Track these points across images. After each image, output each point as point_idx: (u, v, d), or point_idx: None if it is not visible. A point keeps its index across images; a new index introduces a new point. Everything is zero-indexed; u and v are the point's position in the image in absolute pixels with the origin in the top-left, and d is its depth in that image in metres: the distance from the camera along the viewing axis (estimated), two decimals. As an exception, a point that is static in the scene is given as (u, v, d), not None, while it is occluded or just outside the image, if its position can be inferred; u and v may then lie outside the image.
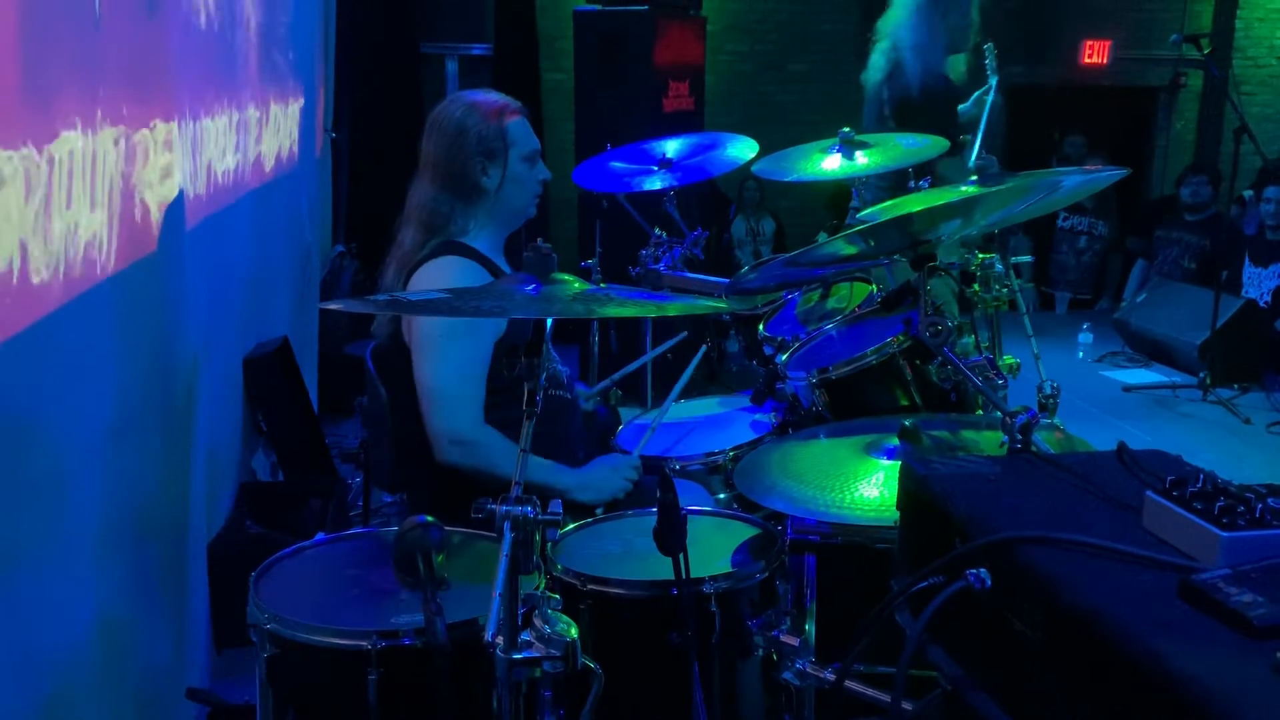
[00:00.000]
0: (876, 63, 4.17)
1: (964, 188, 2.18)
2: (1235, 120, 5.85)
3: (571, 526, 2.03)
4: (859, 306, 2.88)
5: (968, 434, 2.06)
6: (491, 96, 2.40)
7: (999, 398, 1.90)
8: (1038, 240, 7.73)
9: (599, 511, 2.22)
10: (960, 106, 4.25)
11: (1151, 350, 6.47)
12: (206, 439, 2.80)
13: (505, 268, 2.41)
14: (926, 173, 3.53)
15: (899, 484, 1.45)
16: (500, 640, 1.43)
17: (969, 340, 2.64)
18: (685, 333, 3.29)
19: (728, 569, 1.83)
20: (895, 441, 1.98)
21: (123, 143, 2.07)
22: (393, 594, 1.72)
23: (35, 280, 1.66)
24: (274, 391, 3.63)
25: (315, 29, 5.17)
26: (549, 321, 1.59)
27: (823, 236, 3.85)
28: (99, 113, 1.93)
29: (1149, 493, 1.18)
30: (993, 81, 4.15)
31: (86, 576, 1.91)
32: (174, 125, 2.44)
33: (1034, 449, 1.64)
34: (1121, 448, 1.37)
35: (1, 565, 1.60)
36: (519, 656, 1.43)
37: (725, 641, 1.77)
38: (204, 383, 2.72)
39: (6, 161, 1.54)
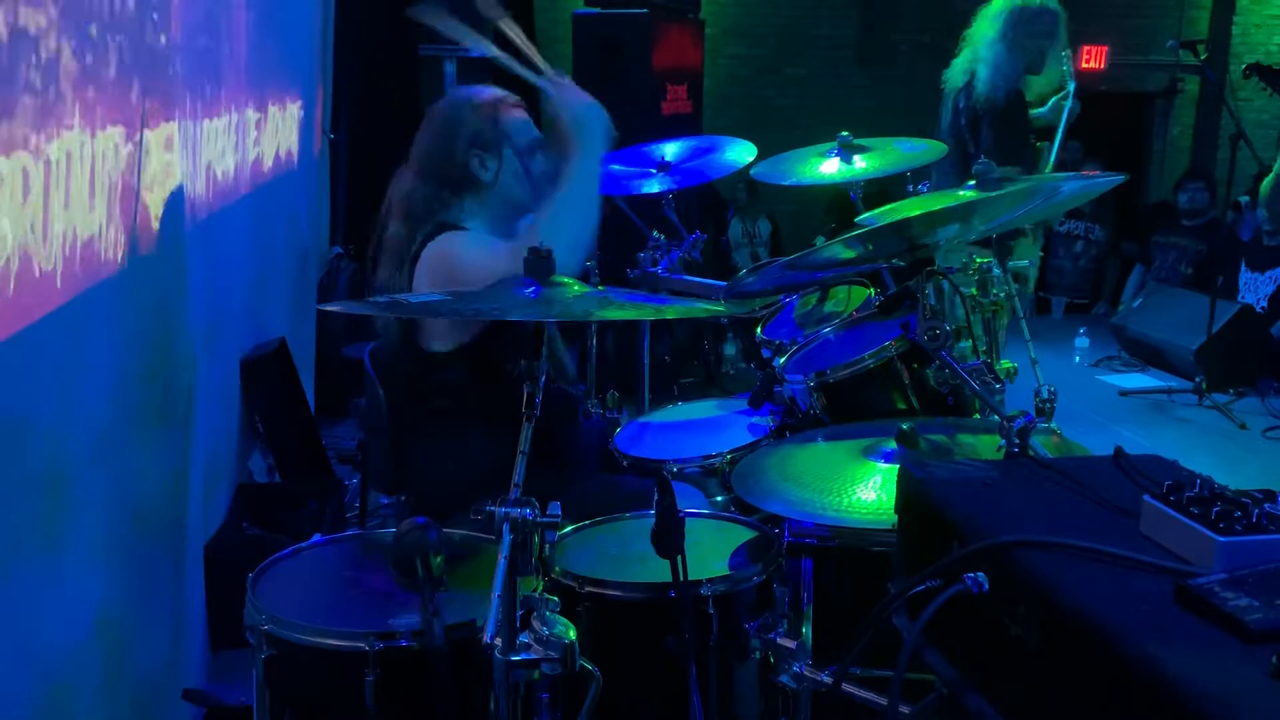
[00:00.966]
0: (957, 69, 4.15)
1: (961, 193, 2.19)
2: (1232, 126, 5.86)
3: (569, 529, 2.03)
4: (857, 310, 2.88)
5: (965, 438, 2.06)
6: (489, 90, 2.40)
7: (996, 402, 1.91)
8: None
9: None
10: (1036, 110, 4.24)
11: (1148, 355, 6.48)
12: (204, 440, 2.80)
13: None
14: (924, 176, 3.54)
15: (897, 487, 1.45)
16: (499, 642, 1.43)
17: (966, 344, 2.65)
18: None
19: (725, 572, 1.83)
20: (893, 445, 1.98)
21: (122, 143, 2.07)
22: (390, 595, 1.72)
23: (34, 280, 1.66)
24: (271, 392, 3.63)
25: (314, 31, 5.17)
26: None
27: (820, 240, 3.86)
28: (99, 113, 1.93)
29: (1146, 497, 1.18)
30: (1071, 87, 4.13)
31: (83, 577, 1.91)
32: (174, 126, 2.45)
33: (1031, 453, 1.64)
34: (1118, 452, 1.37)
35: (0, 565, 1.60)
36: (517, 658, 1.44)
37: (723, 644, 1.77)
38: (202, 383, 2.72)
39: (5, 162, 1.54)
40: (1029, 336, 3.27)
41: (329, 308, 1.84)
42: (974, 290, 2.65)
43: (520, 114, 2.40)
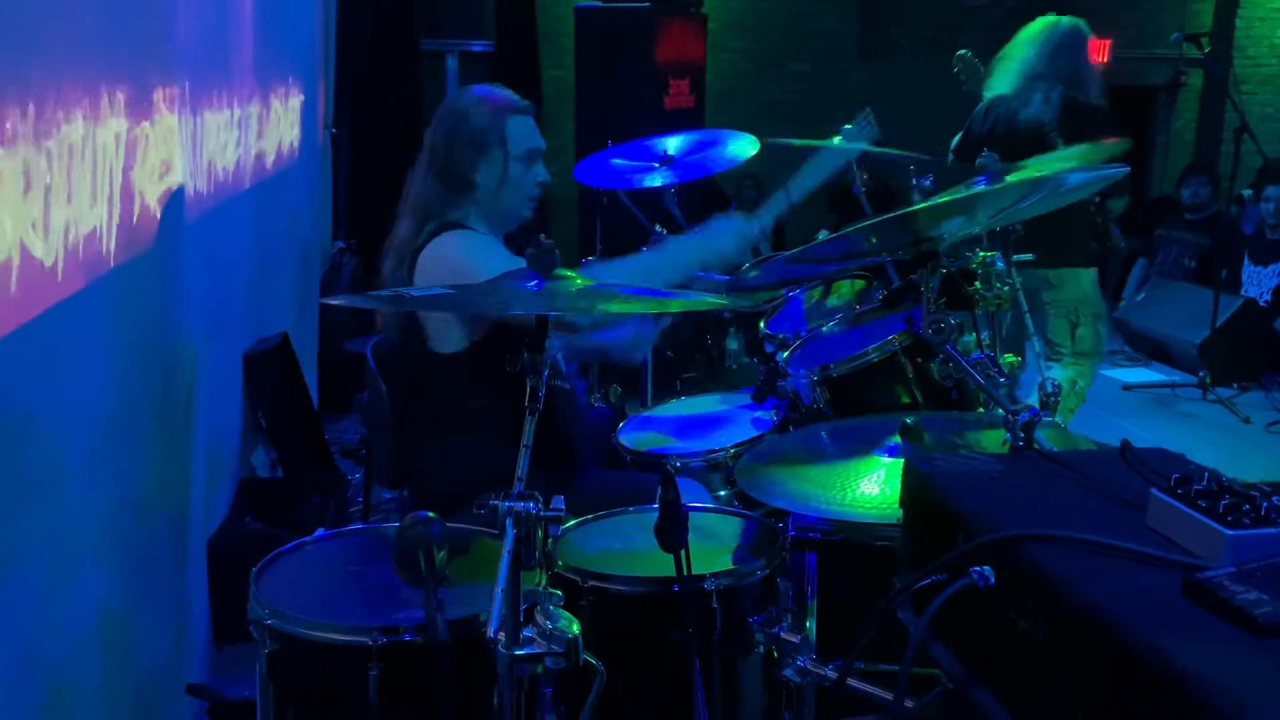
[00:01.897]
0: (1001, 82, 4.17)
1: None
2: (1235, 120, 5.85)
3: (573, 523, 2.02)
4: (860, 304, 2.88)
5: (969, 432, 2.06)
6: (499, 93, 2.37)
7: (1001, 395, 1.90)
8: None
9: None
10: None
11: (1151, 349, 6.47)
12: (206, 435, 2.80)
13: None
14: (929, 169, 3.53)
15: (902, 481, 1.44)
16: (502, 636, 1.43)
17: (970, 338, 2.64)
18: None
19: (729, 566, 1.83)
20: (896, 439, 1.98)
21: (123, 137, 2.06)
22: (394, 590, 1.71)
23: (34, 275, 1.66)
24: (274, 388, 3.62)
25: (315, 25, 5.17)
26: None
27: (823, 234, 3.85)
28: (100, 107, 1.93)
29: (1154, 490, 1.18)
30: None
31: (85, 573, 1.91)
32: (174, 120, 2.44)
33: (1036, 446, 1.64)
34: (1125, 445, 1.36)
35: (0, 561, 1.59)
36: (521, 652, 1.43)
37: (726, 638, 1.77)
38: (203, 379, 2.72)
39: (6, 155, 1.54)
40: (1033, 331, 3.25)
41: (331, 302, 1.84)
42: (978, 284, 2.64)
43: (523, 121, 2.36)
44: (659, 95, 5.92)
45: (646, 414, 2.98)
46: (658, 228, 3.34)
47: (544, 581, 1.59)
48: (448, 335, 2.29)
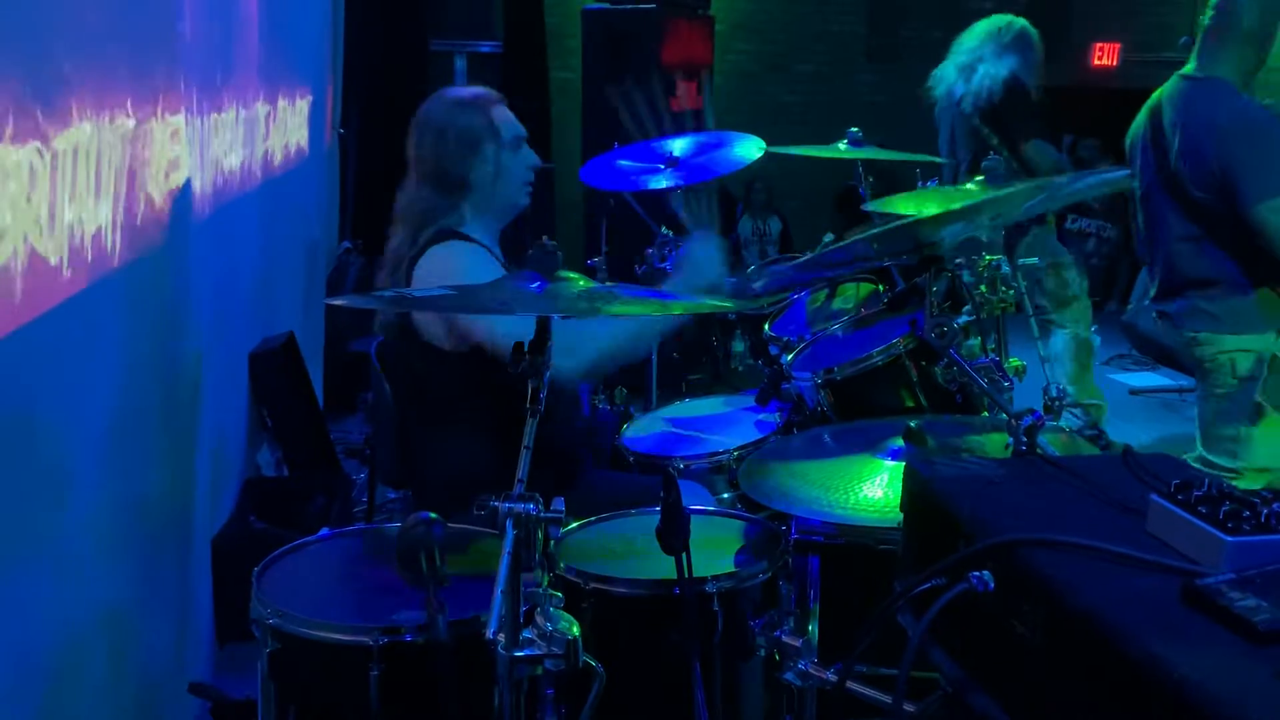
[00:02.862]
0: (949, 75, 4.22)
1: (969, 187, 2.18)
2: (1244, 123, 5.81)
3: (574, 525, 2.02)
4: (865, 307, 2.87)
5: (973, 436, 2.06)
6: (470, 90, 2.39)
7: (1004, 400, 1.90)
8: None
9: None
10: None
11: (1158, 354, 6.44)
12: (211, 434, 2.81)
13: (502, 260, 2.39)
14: (934, 173, 3.53)
15: (903, 485, 1.44)
16: (502, 637, 1.43)
17: (975, 342, 2.64)
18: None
19: (731, 569, 1.83)
20: (900, 442, 1.97)
21: (129, 136, 2.07)
22: (395, 590, 1.71)
23: (39, 273, 1.66)
24: (279, 387, 3.63)
25: (324, 25, 5.18)
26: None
27: (829, 237, 3.85)
28: (106, 106, 1.93)
29: (1153, 496, 1.17)
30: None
31: (89, 571, 1.92)
32: (181, 119, 2.45)
33: (1039, 451, 1.63)
34: (1126, 451, 1.36)
35: (4, 559, 1.60)
36: (520, 654, 1.43)
37: (727, 641, 1.76)
38: (209, 378, 2.72)
39: (12, 154, 1.54)
40: (1038, 334, 3.25)
41: (335, 301, 1.84)
42: (983, 288, 2.64)
43: (503, 110, 2.38)
44: (665, 97, 5.93)
45: (651, 415, 2.98)
46: (663, 230, 3.34)
47: (546, 582, 1.59)
48: (442, 339, 2.29)
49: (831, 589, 1.84)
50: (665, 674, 1.74)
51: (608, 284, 1.88)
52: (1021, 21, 4.28)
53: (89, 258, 1.87)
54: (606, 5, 5.99)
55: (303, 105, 4.47)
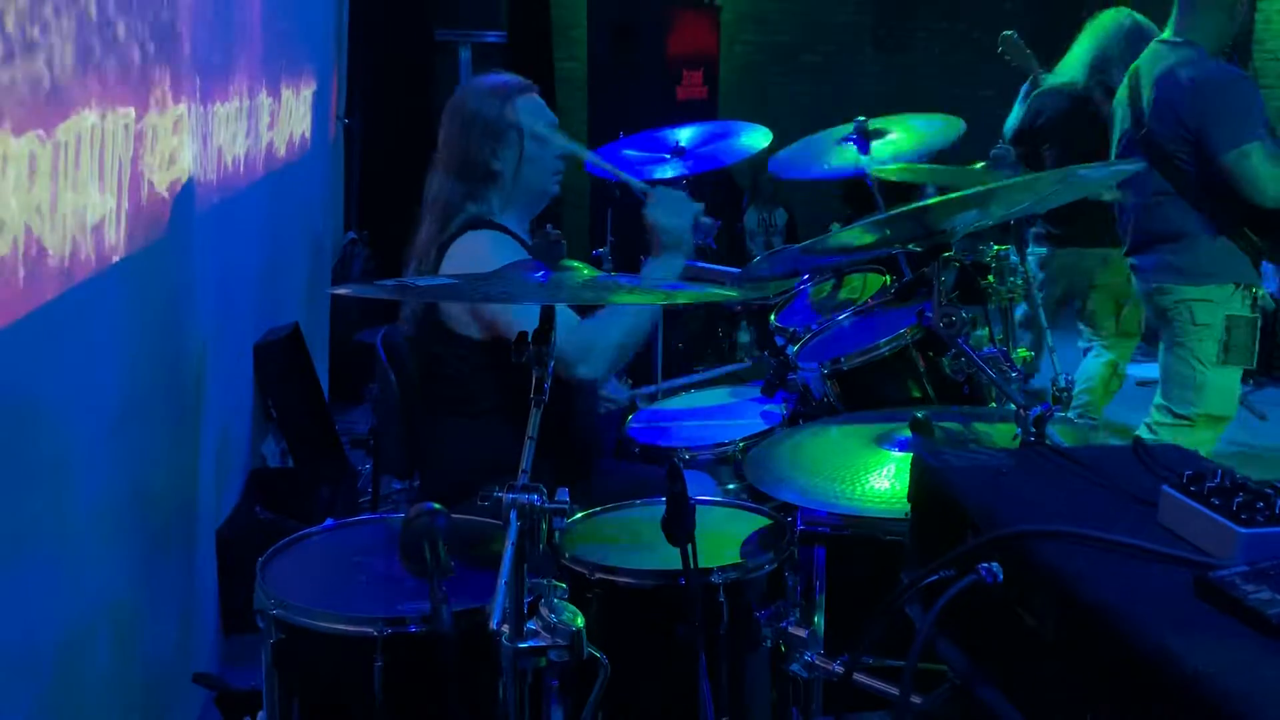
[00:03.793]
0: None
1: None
2: (1254, 114, 5.78)
3: (579, 515, 2.02)
4: (872, 297, 2.86)
5: (980, 426, 2.04)
6: (500, 78, 2.36)
7: (1013, 390, 1.88)
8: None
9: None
10: None
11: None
12: (216, 425, 2.80)
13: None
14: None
15: (910, 476, 1.43)
16: (506, 629, 1.42)
17: (982, 332, 2.62)
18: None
19: (736, 560, 1.82)
20: (907, 433, 1.96)
21: (131, 126, 2.06)
22: (399, 581, 1.71)
23: (42, 263, 1.66)
24: (284, 378, 3.63)
25: (328, 14, 5.17)
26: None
27: (835, 227, 3.84)
28: (108, 96, 1.92)
29: (1165, 487, 1.16)
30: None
31: (94, 561, 1.91)
32: (184, 109, 2.44)
33: (1048, 441, 1.62)
34: (1137, 441, 1.35)
35: (9, 550, 1.60)
36: (524, 645, 1.43)
37: (733, 633, 1.76)
38: (213, 369, 2.72)
39: (14, 144, 1.53)
40: (1046, 324, 3.24)
41: (339, 291, 1.83)
42: (991, 278, 2.62)
43: (531, 97, 2.35)
44: (671, 86, 5.92)
45: (657, 406, 2.97)
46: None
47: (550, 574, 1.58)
48: (472, 329, 2.28)
49: (838, 580, 1.84)
50: (671, 665, 1.74)
51: (613, 274, 1.87)
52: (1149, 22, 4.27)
53: (91, 248, 1.86)
54: (612, -5, 5.97)
55: (307, 95, 4.46)
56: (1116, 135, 3.52)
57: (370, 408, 4.56)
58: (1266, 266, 6.14)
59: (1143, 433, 3.47)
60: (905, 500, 1.46)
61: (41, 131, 1.62)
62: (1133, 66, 3.49)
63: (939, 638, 1.26)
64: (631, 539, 1.94)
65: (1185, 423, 3.42)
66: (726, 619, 1.74)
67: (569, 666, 1.49)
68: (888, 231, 1.93)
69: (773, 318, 3.05)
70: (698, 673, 1.63)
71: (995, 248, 2.74)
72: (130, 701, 2.08)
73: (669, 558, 1.64)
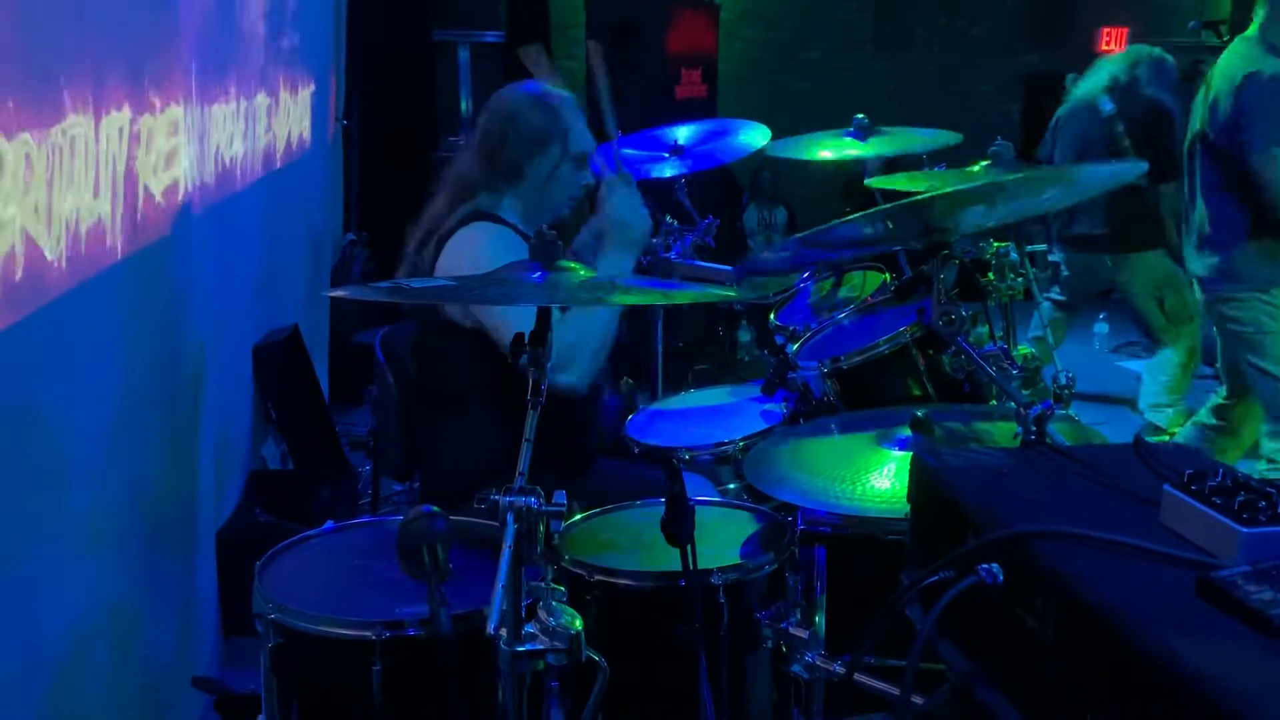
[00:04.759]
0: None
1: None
2: (1255, 108, 5.77)
3: (579, 517, 2.01)
4: (872, 295, 2.85)
5: (981, 425, 2.04)
6: (557, 92, 2.39)
7: (1013, 388, 1.87)
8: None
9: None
10: None
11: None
12: (215, 427, 2.80)
13: None
14: (940, 162, 3.50)
15: (910, 476, 1.42)
16: (504, 632, 1.41)
17: (983, 330, 2.61)
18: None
19: (736, 560, 1.81)
20: (907, 432, 1.95)
21: (127, 129, 2.05)
22: (398, 584, 1.70)
23: (39, 266, 1.65)
24: (284, 380, 3.62)
25: (326, 15, 5.16)
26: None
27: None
28: (104, 97, 1.92)
29: (1167, 487, 1.15)
30: None
31: (93, 564, 1.91)
32: (180, 111, 2.43)
33: (1048, 440, 1.61)
34: (1138, 440, 1.34)
35: (8, 553, 1.59)
36: (522, 649, 1.42)
37: (733, 634, 1.75)
38: (212, 371, 2.71)
39: (9, 145, 1.53)
40: (1047, 321, 3.22)
41: (335, 293, 1.83)
42: (991, 276, 2.62)
43: (580, 122, 2.39)
44: (670, 84, 5.91)
45: (656, 406, 2.96)
46: (668, 219, 3.31)
47: (549, 576, 1.57)
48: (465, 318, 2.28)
49: (838, 580, 1.83)
50: (671, 666, 1.73)
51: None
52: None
53: (89, 250, 1.85)
54: (611, -7, 5.96)
55: (305, 96, 4.45)
56: (1188, 130, 3.53)
57: (370, 409, 4.56)
58: None
59: (1263, 467, 3.43)
60: (905, 500, 1.45)
61: (35, 133, 1.62)
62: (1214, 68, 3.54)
63: (939, 639, 1.25)
64: (631, 540, 1.93)
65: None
66: (727, 620, 1.74)
67: (568, 669, 1.48)
68: (890, 224, 1.93)
69: (772, 316, 3.04)
70: (698, 674, 1.62)
71: (995, 245, 2.73)
72: (129, 704, 2.07)
73: (669, 559, 1.63)
